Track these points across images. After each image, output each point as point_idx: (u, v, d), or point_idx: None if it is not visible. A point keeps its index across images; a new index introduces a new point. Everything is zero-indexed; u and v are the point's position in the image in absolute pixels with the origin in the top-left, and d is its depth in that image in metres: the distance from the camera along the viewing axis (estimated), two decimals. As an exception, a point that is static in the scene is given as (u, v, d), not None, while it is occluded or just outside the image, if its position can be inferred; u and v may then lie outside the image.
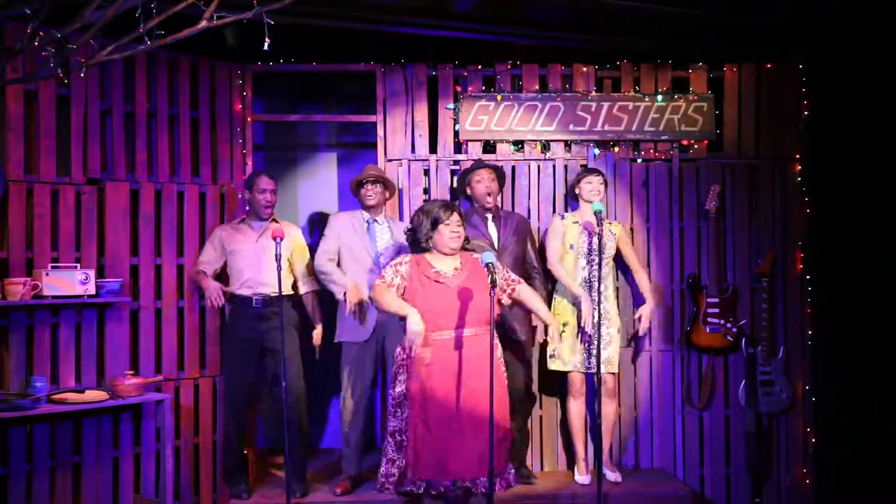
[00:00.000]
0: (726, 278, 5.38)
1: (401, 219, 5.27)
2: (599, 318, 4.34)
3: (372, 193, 4.89)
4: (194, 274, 4.90)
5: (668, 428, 5.37)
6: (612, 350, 4.88)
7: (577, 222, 4.99)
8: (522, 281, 4.21)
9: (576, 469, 5.06)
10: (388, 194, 5.00)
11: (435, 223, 4.00)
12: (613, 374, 4.92)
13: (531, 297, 4.19)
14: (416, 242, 4.07)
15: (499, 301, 4.04)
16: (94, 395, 4.35)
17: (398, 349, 4.00)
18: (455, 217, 4.00)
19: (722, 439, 5.38)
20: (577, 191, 5.05)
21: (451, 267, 3.99)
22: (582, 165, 5.41)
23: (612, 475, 4.95)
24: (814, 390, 5.36)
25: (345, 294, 4.69)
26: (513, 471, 4.01)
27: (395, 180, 5.29)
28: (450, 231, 3.97)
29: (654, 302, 5.07)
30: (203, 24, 3.29)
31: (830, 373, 5.38)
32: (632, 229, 5.35)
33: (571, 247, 4.95)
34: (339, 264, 4.86)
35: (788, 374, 5.31)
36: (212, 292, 4.72)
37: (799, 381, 5.35)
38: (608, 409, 4.92)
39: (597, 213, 4.27)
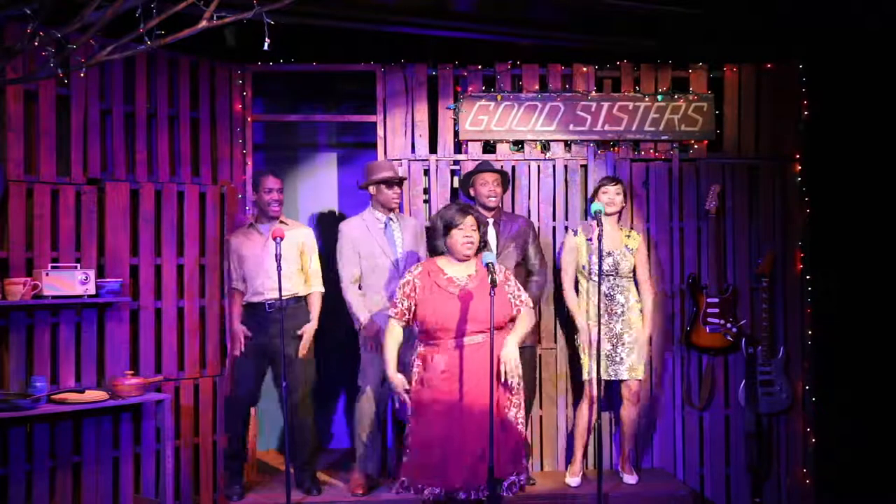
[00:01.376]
0: (726, 278, 5.38)
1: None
2: (600, 326, 4.34)
3: (397, 195, 4.86)
4: (229, 293, 4.93)
5: (668, 428, 5.37)
6: (634, 357, 4.88)
7: (590, 239, 4.90)
8: (528, 306, 4.02)
9: (568, 470, 5.06)
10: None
11: (448, 227, 3.92)
12: (639, 380, 4.93)
13: (520, 321, 3.98)
14: (432, 242, 4.04)
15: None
16: (94, 395, 4.35)
17: (413, 357, 3.96)
18: (469, 221, 3.91)
19: (722, 439, 5.37)
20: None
21: (465, 273, 3.91)
22: (582, 166, 5.42)
23: (629, 478, 4.99)
24: (814, 390, 5.36)
25: (361, 328, 4.75)
26: (523, 476, 3.91)
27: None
28: (462, 236, 3.89)
29: (649, 329, 4.99)
30: (203, 24, 3.29)
31: (830, 373, 5.39)
32: (631, 229, 5.34)
33: (584, 267, 4.91)
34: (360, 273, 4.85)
35: (788, 374, 5.31)
36: (235, 341, 4.80)
37: (799, 381, 5.35)
38: (630, 413, 4.96)
39: (596, 214, 4.28)
